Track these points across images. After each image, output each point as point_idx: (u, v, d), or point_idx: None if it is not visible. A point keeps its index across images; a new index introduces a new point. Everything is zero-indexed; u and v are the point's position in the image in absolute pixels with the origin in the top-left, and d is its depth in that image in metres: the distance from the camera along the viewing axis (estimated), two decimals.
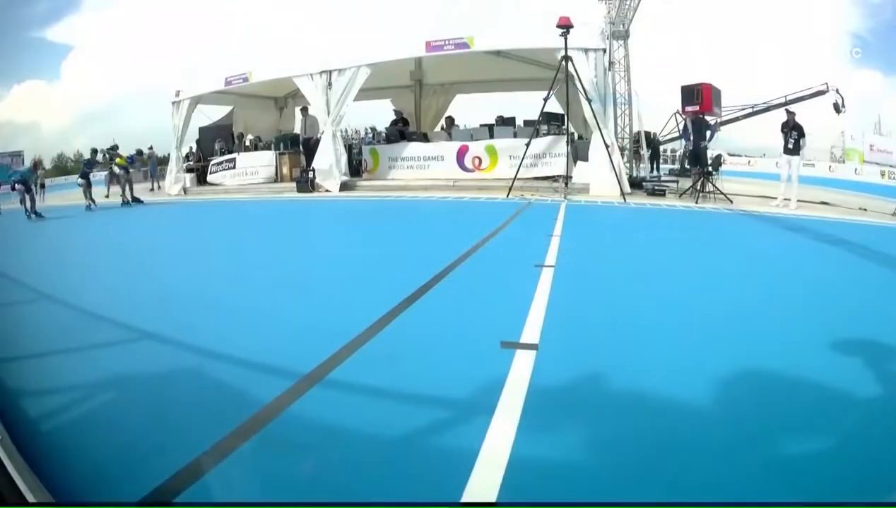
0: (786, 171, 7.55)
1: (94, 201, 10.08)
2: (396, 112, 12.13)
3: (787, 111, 7.73)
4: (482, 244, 4.21)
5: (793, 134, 7.38)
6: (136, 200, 10.51)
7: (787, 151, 7.48)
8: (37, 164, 12.07)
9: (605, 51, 8.98)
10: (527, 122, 10.39)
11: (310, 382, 1.68)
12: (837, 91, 13.07)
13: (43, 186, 14.34)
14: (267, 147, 12.27)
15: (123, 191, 10.53)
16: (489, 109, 13.53)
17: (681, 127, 12.09)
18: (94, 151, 13.68)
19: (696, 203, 7.83)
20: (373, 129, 12.81)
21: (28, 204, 10.57)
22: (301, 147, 11.72)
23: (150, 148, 14.82)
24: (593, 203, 7.68)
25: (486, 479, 1.17)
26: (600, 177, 8.46)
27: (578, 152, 9.43)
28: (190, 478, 1.18)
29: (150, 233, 6.81)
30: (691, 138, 8.91)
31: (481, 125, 10.80)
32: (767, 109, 14.03)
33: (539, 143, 9.16)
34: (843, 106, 13.22)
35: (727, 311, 2.55)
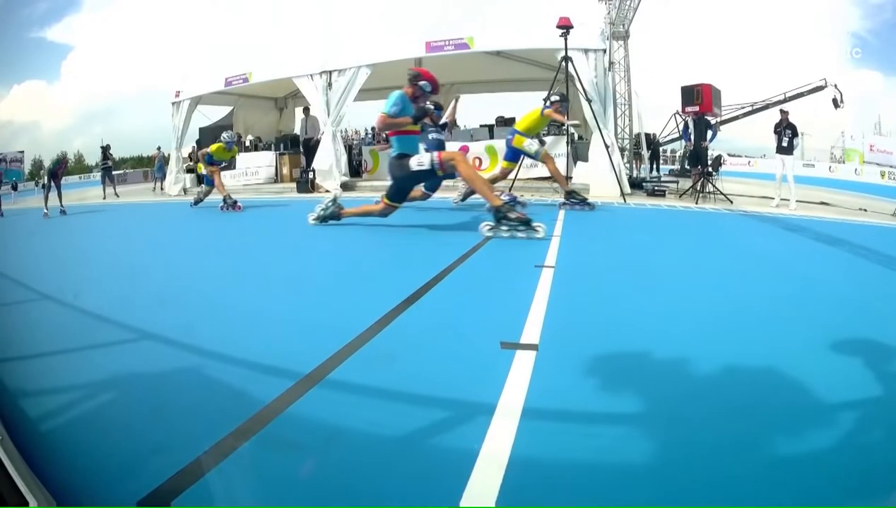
0: (780, 171, 7.58)
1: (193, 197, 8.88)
2: None
3: (781, 111, 7.79)
4: (482, 244, 4.21)
5: (787, 132, 7.42)
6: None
7: (781, 151, 7.52)
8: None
9: (605, 51, 8.98)
10: None
11: (310, 382, 1.68)
12: (836, 86, 13.09)
13: (45, 186, 14.38)
14: (267, 147, 12.29)
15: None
16: (489, 109, 13.54)
17: (681, 127, 12.09)
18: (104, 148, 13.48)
19: (696, 203, 7.84)
20: (373, 130, 12.81)
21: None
22: (301, 147, 11.73)
23: (158, 148, 14.85)
24: (593, 203, 7.68)
25: (485, 480, 1.17)
26: (600, 177, 8.47)
27: (578, 152, 9.44)
28: (190, 479, 1.18)
29: (155, 232, 6.82)
30: (691, 138, 8.93)
31: (481, 125, 10.82)
32: (766, 107, 14.04)
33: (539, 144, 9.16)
34: (842, 101, 13.24)
35: (728, 311, 2.55)
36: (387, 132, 4.79)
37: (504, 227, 4.20)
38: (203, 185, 8.78)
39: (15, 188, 10.64)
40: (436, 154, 4.58)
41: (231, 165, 9.10)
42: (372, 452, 1.32)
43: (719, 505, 1.11)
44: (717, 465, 1.27)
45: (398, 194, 4.95)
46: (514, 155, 6.70)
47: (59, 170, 9.64)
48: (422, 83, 4.61)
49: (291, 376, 1.71)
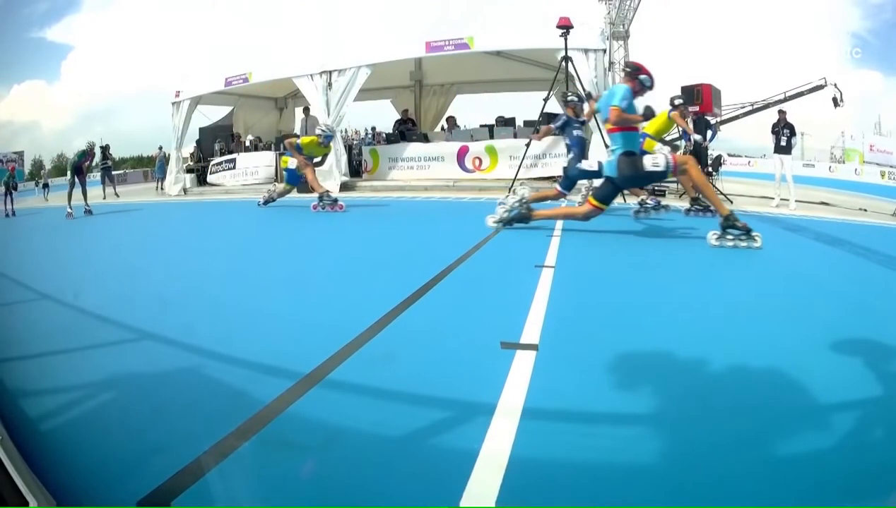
0: (779, 171, 7.59)
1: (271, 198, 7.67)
2: (403, 112, 12.12)
3: (779, 111, 7.81)
4: (482, 244, 4.21)
5: (785, 132, 7.44)
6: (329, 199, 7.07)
7: (779, 150, 7.54)
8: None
9: (605, 51, 8.99)
10: (527, 123, 10.41)
11: (310, 382, 1.68)
12: (836, 85, 13.06)
13: (46, 186, 14.39)
14: (267, 147, 12.28)
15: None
16: (489, 109, 13.55)
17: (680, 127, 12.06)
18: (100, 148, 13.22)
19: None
20: (373, 130, 12.81)
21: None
22: None
23: (160, 148, 14.85)
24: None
25: (485, 480, 1.17)
26: (601, 177, 8.46)
27: None
28: (190, 479, 1.18)
29: (163, 230, 6.82)
30: (691, 138, 8.92)
31: (481, 125, 10.81)
32: (767, 107, 14.02)
33: (539, 144, 9.16)
34: (842, 100, 13.20)
35: (728, 311, 2.55)
36: (611, 126, 4.40)
37: (729, 236, 4.05)
38: (280, 183, 7.48)
39: (15, 188, 10.38)
40: (670, 156, 4.34)
41: (322, 162, 7.62)
42: (372, 452, 1.32)
43: (719, 505, 1.11)
44: (717, 465, 1.27)
45: (611, 195, 4.53)
46: None
47: (84, 163, 8.49)
48: (642, 77, 4.33)
49: (291, 376, 1.71)
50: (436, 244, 4.76)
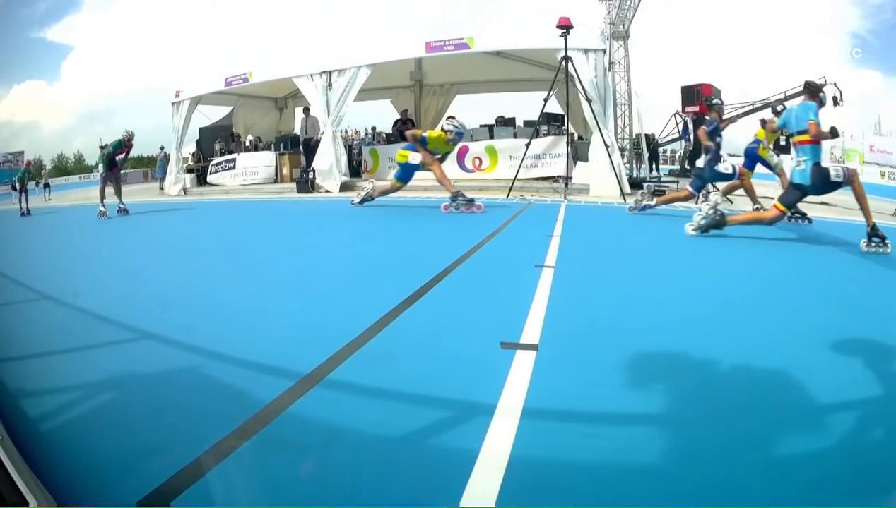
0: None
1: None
2: (403, 112, 12.12)
3: (775, 111, 7.85)
4: (482, 244, 4.21)
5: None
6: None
7: (778, 150, 7.57)
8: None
9: (605, 51, 8.98)
10: (527, 123, 10.41)
11: (310, 382, 1.68)
12: (835, 84, 13.06)
13: (48, 186, 14.38)
14: (267, 147, 12.28)
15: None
16: (489, 109, 13.53)
17: (680, 127, 12.07)
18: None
19: (696, 203, 7.83)
20: (373, 130, 12.81)
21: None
22: (301, 147, 11.73)
23: (161, 148, 14.81)
24: (593, 203, 7.68)
25: (485, 480, 1.17)
26: (600, 177, 8.47)
27: (578, 152, 9.44)
28: (190, 479, 1.18)
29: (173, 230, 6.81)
30: (691, 138, 8.94)
31: (481, 125, 10.81)
32: (767, 106, 14.03)
33: (539, 144, 9.17)
34: (842, 98, 13.20)
35: (728, 310, 2.55)
36: (805, 139, 4.62)
37: (873, 243, 4.36)
38: (390, 179, 6.83)
39: (14, 188, 10.19)
40: (847, 168, 4.72)
41: (443, 160, 6.79)
42: (372, 452, 1.32)
43: (719, 505, 1.11)
44: (716, 465, 1.27)
45: (796, 201, 4.82)
46: (752, 163, 6.87)
47: (119, 155, 7.59)
48: (821, 94, 4.70)
49: (291, 376, 1.71)
50: (436, 243, 4.76)
